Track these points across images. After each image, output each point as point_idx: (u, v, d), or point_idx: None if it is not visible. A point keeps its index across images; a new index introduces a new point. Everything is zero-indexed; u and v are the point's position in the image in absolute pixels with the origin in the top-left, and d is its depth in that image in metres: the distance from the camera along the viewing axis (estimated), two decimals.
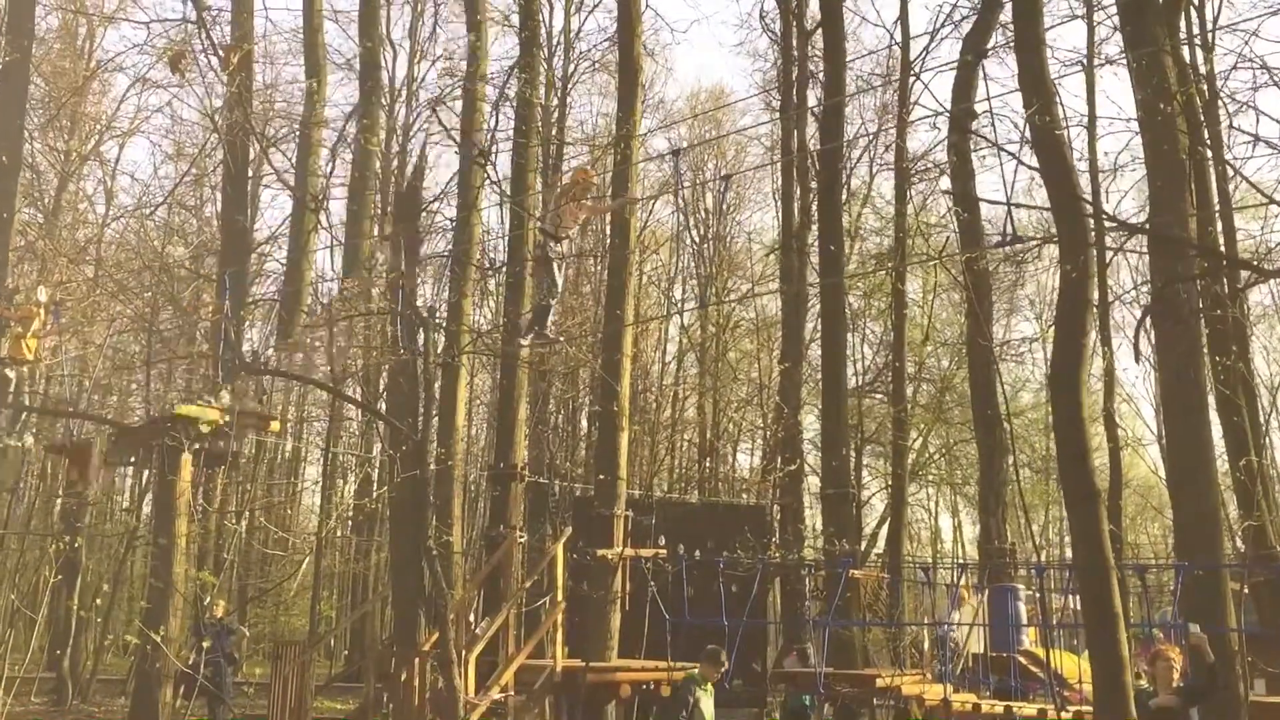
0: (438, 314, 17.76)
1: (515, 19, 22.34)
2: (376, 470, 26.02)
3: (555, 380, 26.81)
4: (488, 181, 16.06)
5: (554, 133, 28.16)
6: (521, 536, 17.78)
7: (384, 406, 21.13)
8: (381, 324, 19.74)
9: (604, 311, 18.77)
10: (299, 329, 18.25)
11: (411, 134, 29.44)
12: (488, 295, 27.42)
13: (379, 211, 23.99)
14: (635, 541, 16.56)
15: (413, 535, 14.43)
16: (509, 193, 19.55)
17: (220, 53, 15.90)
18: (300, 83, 19.90)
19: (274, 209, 39.12)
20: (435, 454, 16.76)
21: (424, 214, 20.74)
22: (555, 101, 28.95)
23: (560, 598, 15.03)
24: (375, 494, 23.14)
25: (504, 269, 19.38)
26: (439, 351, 18.02)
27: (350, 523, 31.11)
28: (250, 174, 19.92)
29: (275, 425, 17.06)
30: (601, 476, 16.25)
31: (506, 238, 19.72)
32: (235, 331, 16.07)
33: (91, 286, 19.01)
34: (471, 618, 15.64)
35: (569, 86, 29.59)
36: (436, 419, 17.32)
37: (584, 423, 29.42)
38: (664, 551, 16.05)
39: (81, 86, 24.00)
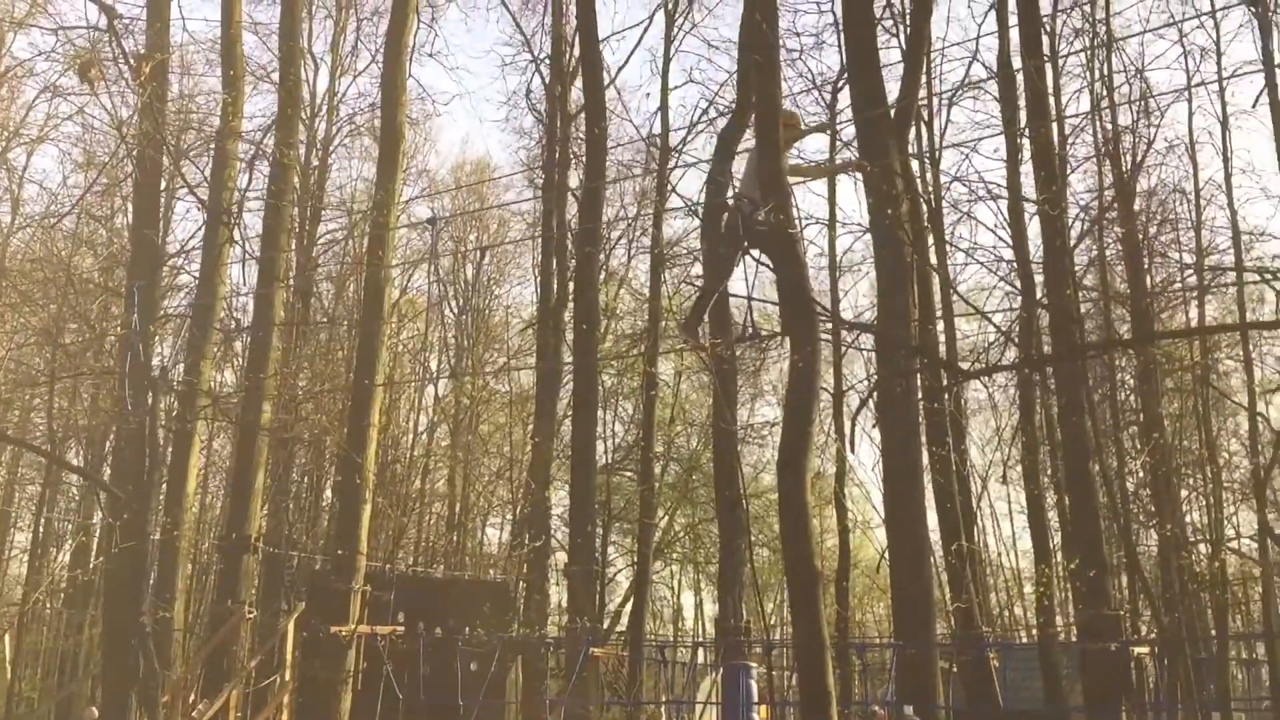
0: (173, 376, 16.93)
1: (277, 75, 21.88)
2: (96, 539, 24.29)
3: (300, 448, 25.88)
4: (232, 241, 15.52)
5: (312, 193, 27.60)
6: (252, 612, 16.97)
7: (108, 471, 19.89)
8: (111, 383, 18.65)
9: (353, 378, 18.35)
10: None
11: (332, 148, 28.95)
12: (232, 357, 26.31)
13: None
14: (374, 618, 16.08)
15: (128, 610, 13.55)
16: (260, 252, 19.04)
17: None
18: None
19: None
20: (161, 523, 15.85)
21: (164, 269, 19.82)
22: (315, 162, 28.44)
23: (288, 677, 14.40)
24: (91, 564, 21.59)
25: (248, 331, 18.73)
26: (172, 415, 17.17)
27: (62, 595, 28.79)
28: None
29: None
30: (340, 550, 15.75)
31: (252, 297, 19.12)
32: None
33: None
34: (192, 698, 14.77)
35: (330, 149, 29.15)
36: (164, 486, 16.41)
37: (328, 493, 28.48)
38: (402, 628, 15.65)
39: None
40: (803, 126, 11.10)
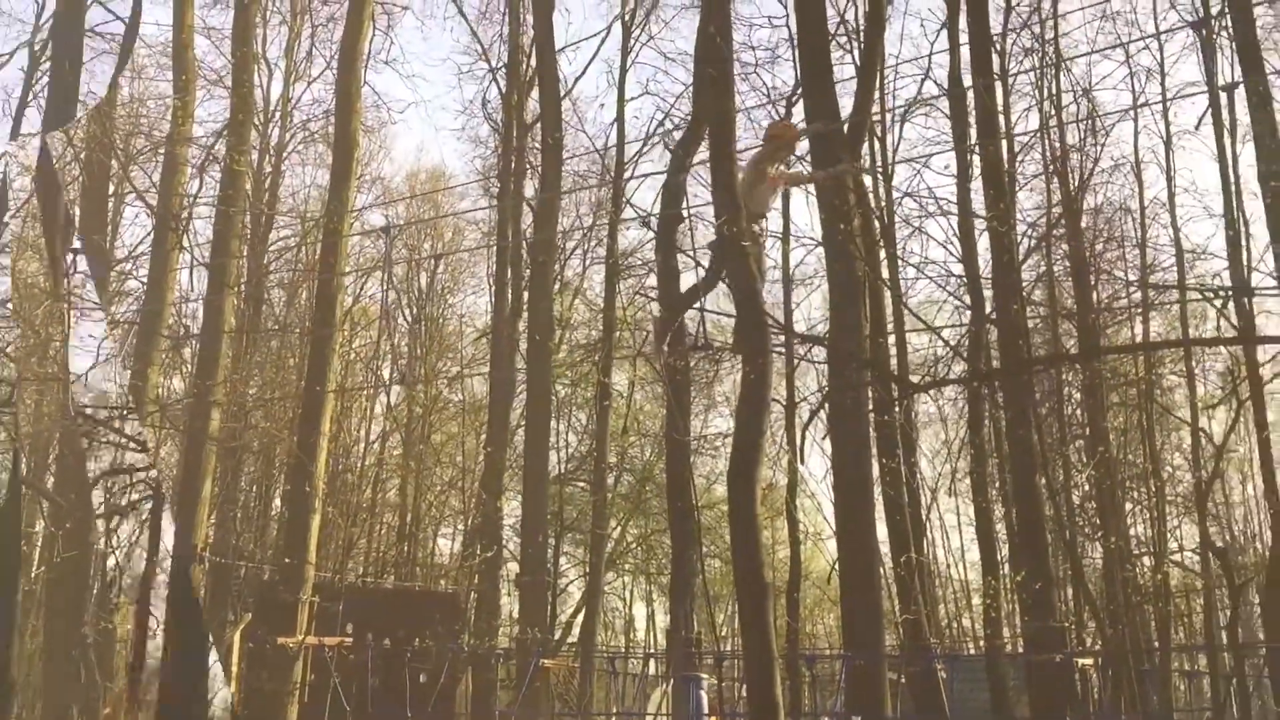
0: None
1: (230, 81, 21.66)
2: (38, 547, 23.83)
3: (248, 457, 25.56)
4: (181, 248, 15.38)
5: (265, 200, 27.34)
6: None
7: (51, 479, 19.58)
8: (55, 390, 18.35)
9: (304, 386, 18.16)
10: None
11: (285, 155, 28.56)
12: (180, 364, 25.96)
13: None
14: (322, 629, 15.93)
15: (70, 620, 13.33)
16: (210, 258, 18.85)
17: None
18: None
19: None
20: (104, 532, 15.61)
21: (111, 274, 19.56)
22: (268, 168, 28.18)
23: (235, 689, 14.21)
24: (33, 573, 21.18)
25: (197, 337, 18.53)
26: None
27: None
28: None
29: None
30: (288, 560, 15.59)
31: (202, 304, 18.89)
32: None
33: None
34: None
35: (284, 155, 28.87)
36: None
37: (277, 502, 28.15)
38: (350, 639, 15.50)
39: None
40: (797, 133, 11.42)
